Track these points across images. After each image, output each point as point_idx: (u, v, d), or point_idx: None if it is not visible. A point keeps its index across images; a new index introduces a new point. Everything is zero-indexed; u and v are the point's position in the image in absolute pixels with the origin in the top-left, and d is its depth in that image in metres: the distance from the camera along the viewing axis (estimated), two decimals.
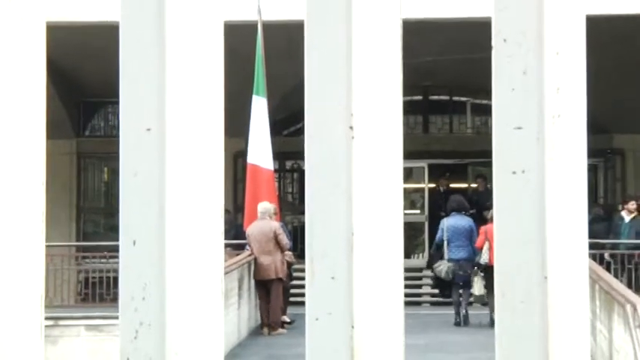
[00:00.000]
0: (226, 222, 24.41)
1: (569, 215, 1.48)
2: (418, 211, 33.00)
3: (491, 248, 20.68)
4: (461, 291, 24.48)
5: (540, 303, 1.47)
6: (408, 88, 25.43)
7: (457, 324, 24.22)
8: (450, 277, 24.84)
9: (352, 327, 1.47)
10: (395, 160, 1.51)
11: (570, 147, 1.49)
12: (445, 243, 25.00)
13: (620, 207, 24.81)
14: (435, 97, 29.78)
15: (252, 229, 21.56)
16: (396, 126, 1.51)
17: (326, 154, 1.48)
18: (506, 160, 1.49)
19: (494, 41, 1.49)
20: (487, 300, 22.49)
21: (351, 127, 1.47)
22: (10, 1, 1.51)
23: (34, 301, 1.54)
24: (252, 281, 22.02)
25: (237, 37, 16.00)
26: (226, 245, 23.10)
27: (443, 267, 24.77)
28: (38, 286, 1.52)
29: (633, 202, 25.11)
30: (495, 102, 1.50)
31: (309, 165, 1.50)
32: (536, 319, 1.47)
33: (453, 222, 25.00)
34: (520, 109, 1.48)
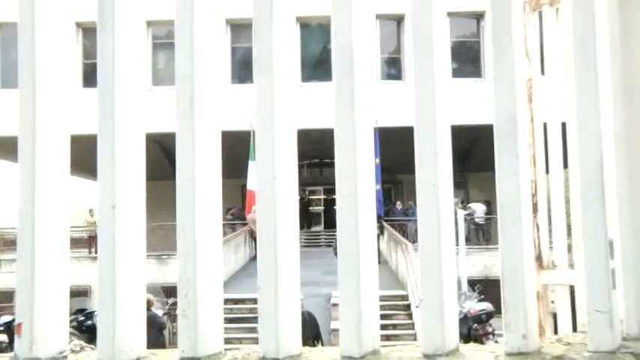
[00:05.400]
0: (238, 214, 24.34)
1: (367, 214, 1.45)
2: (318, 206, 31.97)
3: None
4: None
5: (356, 253, 1.43)
6: (309, 157, 25.36)
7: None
8: None
9: (276, 261, 1.43)
10: (293, 189, 1.48)
11: (367, 182, 1.46)
12: None
13: (396, 204, 25.42)
14: (326, 160, 29.45)
15: (250, 217, 21.17)
16: (293, 175, 1.47)
17: (266, 187, 1.44)
18: (341, 190, 1.45)
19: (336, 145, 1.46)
20: None
21: (274, 178, 1.42)
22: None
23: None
24: (249, 238, 22.12)
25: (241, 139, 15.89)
26: (238, 224, 23.08)
27: None
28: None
29: (399, 202, 25.76)
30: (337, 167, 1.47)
31: (260, 189, 1.46)
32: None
33: None
34: (347, 167, 1.45)
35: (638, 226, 1.51)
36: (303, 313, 9.15)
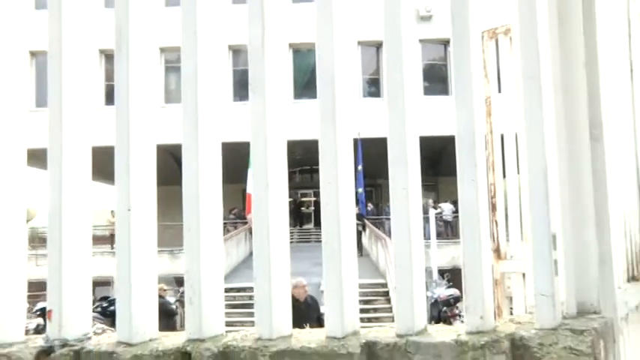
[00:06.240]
0: (239, 214, 24.14)
1: (347, 214, 1.45)
2: (307, 208, 31.52)
3: None
4: None
5: (338, 247, 1.44)
6: (301, 164, 25.27)
7: None
8: None
9: (269, 256, 1.43)
10: (283, 194, 1.48)
11: (347, 187, 1.47)
12: None
13: (367, 205, 25.19)
14: (315, 167, 29.21)
15: (249, 216, 20.71)
16: (284, 182, 1.48)
17: (260, 192, 1.45)
18: (325, 193, 1.46)
19: (320, 155, 1.47)
20: None
21: (267, 184, 1.43)
22: None
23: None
24: (249, 235, 21.88)
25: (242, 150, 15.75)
26: (239, 222, 22.90)
27: None
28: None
29: (370, 204, 25.25)
30: (321, 174, 1.48)
31: (254, 194, 1.47)
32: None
33: None
34: (329, 174, 1.46)
35: (576, 223, 1.53)
36: (306, 298, 9.04)
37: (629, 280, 1.91)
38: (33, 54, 21.64)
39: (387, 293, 16.97)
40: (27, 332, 1.58)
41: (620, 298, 1.59)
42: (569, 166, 1.55)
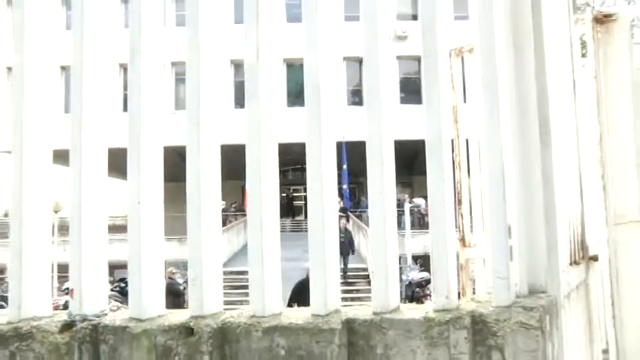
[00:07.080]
0: (239, 207, 23.96)
1: (330, 207, 1.45)
2: (301, 201, 31.43)
3: None
4: None
5: (322, 236, 1.44)
6: (294, 163, 25.23)
7: None
8: None
9: (262, 243, 1.43)
10: (274, 189, 1.47)
11: (330, 184, 1.47)
12: None
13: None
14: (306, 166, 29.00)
15: None
16: (275, 178, 1.47)
17: (254, 187, 1.45)
18: (311, 189, 1.46)
19: (307, 156, 1.47)
20: None
21: (260, 179, 1.42)
22: None
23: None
24: None
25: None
26: (239, 214, 22.75)
27: None
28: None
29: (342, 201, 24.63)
30: (308, 172, 1.48)
31: (249, 188, 1.46)
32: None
33: None
34: (315, 172, 1.46)
35: (528, 215, 1.54)
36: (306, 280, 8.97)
37: (571, 264, 1.94)
38: (63, 68, 21.55)
39: (367, 276, 17.01)
40: (57, 308, 1.58)
41: (563, 280, 1.61)
42: (523, 166, 1.56)
